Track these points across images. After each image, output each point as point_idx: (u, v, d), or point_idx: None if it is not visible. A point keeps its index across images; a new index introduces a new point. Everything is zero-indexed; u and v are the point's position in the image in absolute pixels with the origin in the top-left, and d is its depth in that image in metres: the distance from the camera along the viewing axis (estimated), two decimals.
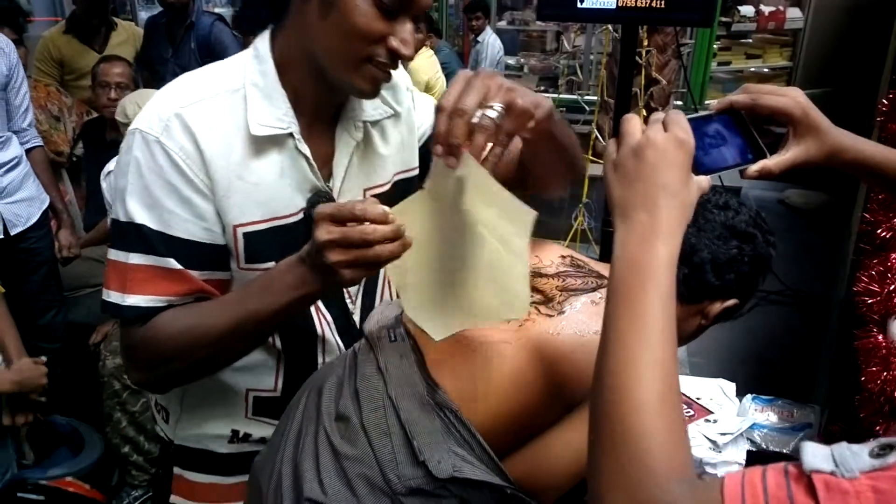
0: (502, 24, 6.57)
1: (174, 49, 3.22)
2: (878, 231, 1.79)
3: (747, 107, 0.70)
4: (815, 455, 0.44)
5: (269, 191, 0.89)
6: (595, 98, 4.47)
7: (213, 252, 0.89)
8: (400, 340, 0.93)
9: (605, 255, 2.01)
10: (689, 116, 0.65)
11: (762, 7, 5.84)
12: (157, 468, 2.02)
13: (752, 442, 1.55)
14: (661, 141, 0.60)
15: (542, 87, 6.37)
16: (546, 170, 0.99)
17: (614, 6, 1.86)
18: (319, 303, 0.98)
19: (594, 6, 1.88)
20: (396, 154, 1.02)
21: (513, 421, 0.87)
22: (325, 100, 0.92)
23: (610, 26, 3.97)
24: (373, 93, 0.87)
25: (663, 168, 0.60)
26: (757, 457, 1.52)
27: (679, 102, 5.06)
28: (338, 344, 1.01)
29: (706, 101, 5.64)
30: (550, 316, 0.88)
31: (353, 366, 0.94)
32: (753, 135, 0.69)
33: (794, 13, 5.90)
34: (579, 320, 0.87)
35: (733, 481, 0.46)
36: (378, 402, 0.88)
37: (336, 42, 0.82)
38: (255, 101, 0.87)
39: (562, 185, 1.04)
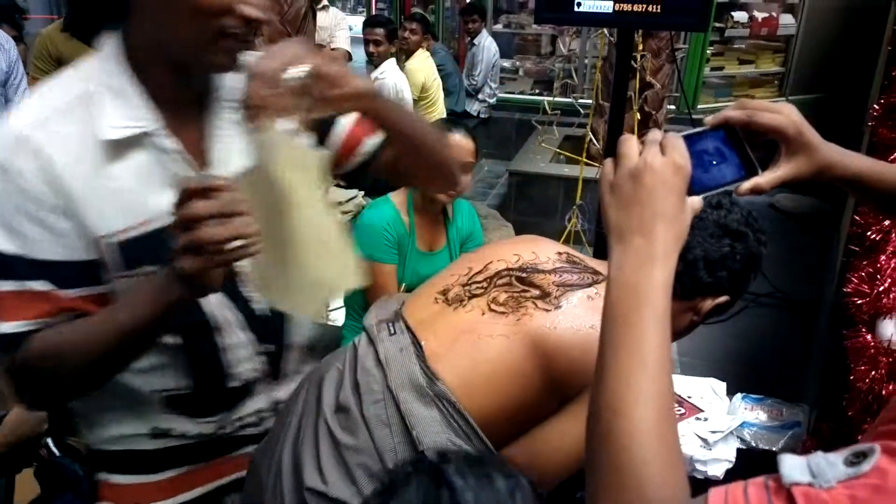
0: (498, 27, 6.60)
1: None
2: (868, 233, 1.82)
3: (742, 123, 0.70)
4: (793, 467, 0.46)
5: (134, 195, 0.85)
6: (590, 101, 4.50)
7: (81, 268, 0.86)
8: (399, 334, 0.94)
9: (599, 256, 2.04)
10: (684, 133, 0.66)
11: (755, 13, 5.89)
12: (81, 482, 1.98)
13: (742, 440, 1.58)
14: (659, 166, 0.61)
15: (538, 91, 6.40)
16: (404, 161, 1.00)
17: (611, 10, 1.88)
18: (216, 295, 0.91)
19: (591, 10, 1.90)
20: None
21: (510, 412, 0.89)
22: (186, 87, 0.89)
23: (605, 30, 4.00)
24: (231, 65, 0.84)
25: (660, 193, 0.60)
26: (747, 454, 1.55)
27: (672, 106, 5.10)
28: (242, 334, 0.96)
29: (699, 106, 5.69)
30: (547, 310, 0.90)
31: (354, 358, 0.95)
32: (746, 151, 0.70)
33: (786, 19, 5.96)
34: (576, 315, 0.89)
35: (717, 498, 0.48)
36: (378, 394, 0.89)
37: (183, 25, 0.79)
38: (106, 104, 0.84)
39: (430, 179, 1.05)
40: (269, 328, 0.99)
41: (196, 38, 0.80)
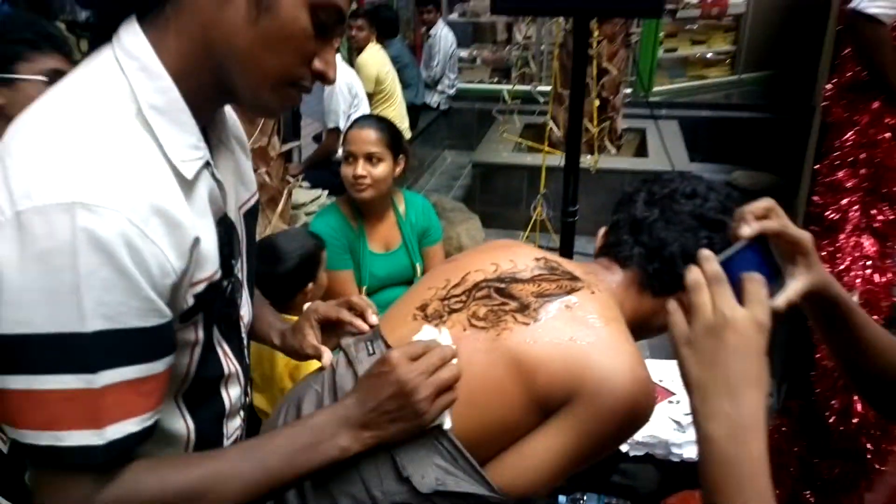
0: (454, 16, 6.56)
1: None
2: (827, 213, 1.86)
3: (776, 232, 0.70)
4: None
5: (208, 236, 0.70)
6: (548, 88, 4.51)
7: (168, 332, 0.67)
8: (378, 354, 0.92)
9: (565, 245, 2.04)
10: (721, 258, 0.65)
11: None
12: None
13: None
14: (742, 325, 0.60)
15: (496, 79, 6.39)
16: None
17: None
18: (224, 342, 0.80)
19: None
20: (247, 161, 0.88)
21: (493, 429, 0.87)
22: (213, 109, 0.76)
23: (561, 18, 4.00)
24: (278, 113, 0.77)
25: (744, 355, 0.59)
26: None
27: (629, 90, 5.15)
28: (238, 373, 0.84)
29: (654, 88, 5.76)
30: (527, 324, 0.88)
31: (332, 380, 0.93)
32: (775, 260, 0.71)
33: None
34: (555, 327, 0.87)
35: None
36: None
37: (264, 54, 0.65)
38: (163, 131, 0.65)
39: None
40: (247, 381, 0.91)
41: (268, 72, 0.67)
